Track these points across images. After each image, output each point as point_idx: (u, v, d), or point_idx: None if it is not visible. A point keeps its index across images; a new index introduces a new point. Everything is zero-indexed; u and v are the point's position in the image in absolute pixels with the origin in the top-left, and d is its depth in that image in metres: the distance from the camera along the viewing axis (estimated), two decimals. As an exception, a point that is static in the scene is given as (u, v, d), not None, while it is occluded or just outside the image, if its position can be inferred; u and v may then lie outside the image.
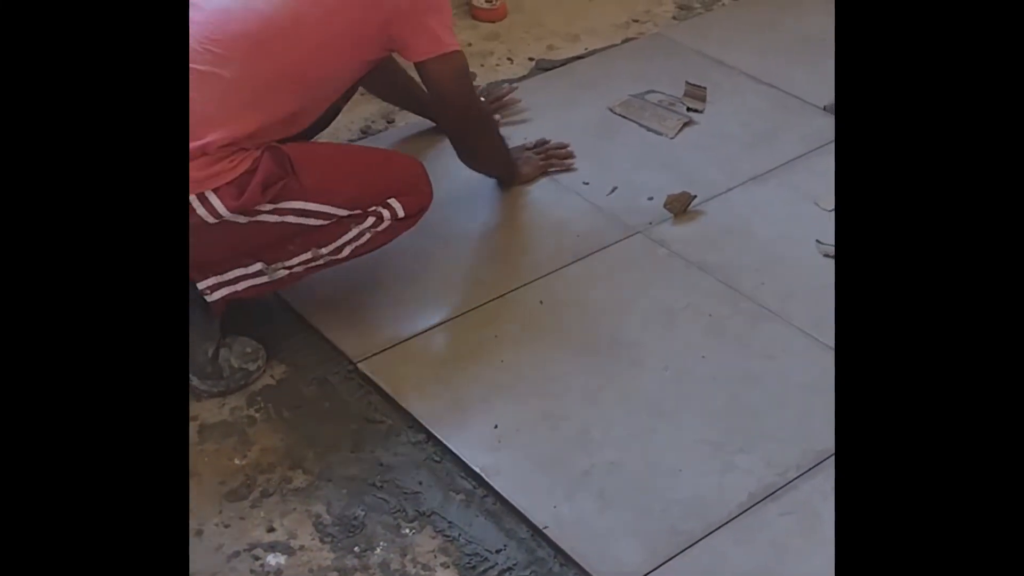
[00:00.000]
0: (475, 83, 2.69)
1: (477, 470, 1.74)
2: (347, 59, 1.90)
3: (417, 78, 2.06)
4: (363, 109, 2.61)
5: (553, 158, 2.38)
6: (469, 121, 2.10)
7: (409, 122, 2.57)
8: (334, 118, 2.22)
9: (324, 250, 1.87)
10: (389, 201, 1.89)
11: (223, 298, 1.85)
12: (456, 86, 2.00)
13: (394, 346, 1.96)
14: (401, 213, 1.91)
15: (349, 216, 1.85)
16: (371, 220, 1.88)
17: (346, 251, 1.90)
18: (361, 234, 1.89)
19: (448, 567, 1.61)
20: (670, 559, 1.61)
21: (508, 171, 2.30)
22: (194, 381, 1.84)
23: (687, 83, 2.62)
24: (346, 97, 2.17)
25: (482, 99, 2.40)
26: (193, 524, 1.66)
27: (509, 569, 1.61)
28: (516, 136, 2.48)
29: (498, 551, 1.63)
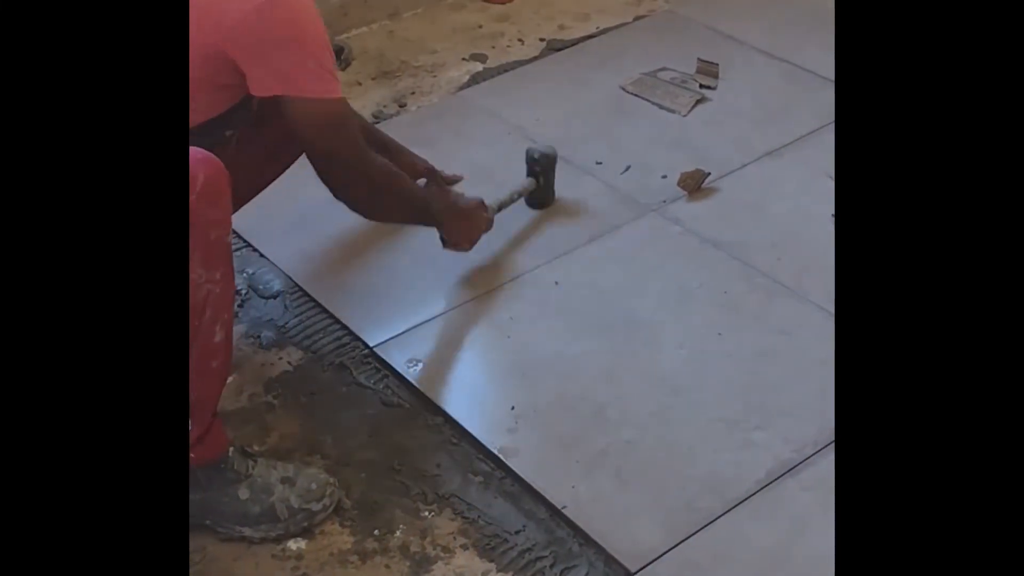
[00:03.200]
0: (484, 66, 2.70)
1: (495, 452, 1.74)
2: (195, 78, 1.43)
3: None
4: (374, 93, 2.61)
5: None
6: (342, 182, 1.80)
7: (422, 106, 2.57)
8: (220, 145, 1.74)
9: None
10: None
11: (199, 451, 1.58)
12: (319, 139, 1.71)
13: (410, 330, 1.97)
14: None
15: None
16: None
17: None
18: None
19: (468, 548, 1.62)
20: (689, 537, 1.61)
21: (424, 224, 2.00)
22: (246, 531, 1.62)
23: (699, 60, 2.61)
24: (231, 125, 1.79)
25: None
26: (214, 511, 1.67)
27: (528, 550, 1.61)
28: (529, 113, 2.48)
29: (517, 532, 1.64)
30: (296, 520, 1.62)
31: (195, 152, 1.39)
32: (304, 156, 1.82)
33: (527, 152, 2.21)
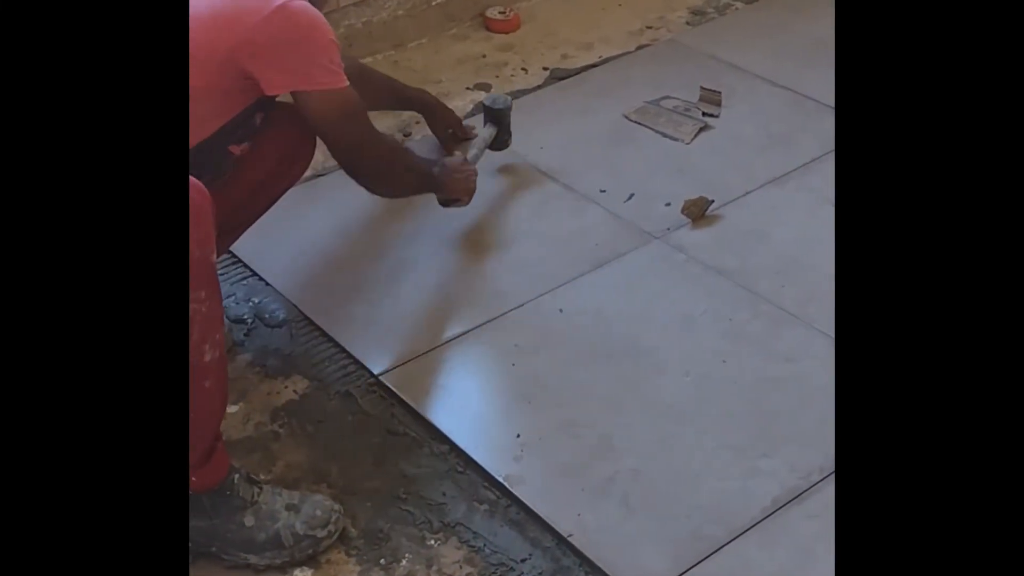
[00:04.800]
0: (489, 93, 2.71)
1: (501, 480, 1.74)
2: (197, 83, 1.46)
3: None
4: (379, 123, 2.62)
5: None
6: (362, 164, 1.94)
7: (426, 135, 2.58)
8: (228, 164, 1.90)
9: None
10: None
11: (199, 478, 1.59)
12: (338, 128, 1.86)
13: (415, 358, 1.97)
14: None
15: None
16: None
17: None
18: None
19: (474, 577, 1.62)
20: (695, 565, 1.61)
21: (429, 190, 2.16)
22: (251, 558, 1.62)
23: (702, 88, 2.63)
24: (235, 139, 1.87)
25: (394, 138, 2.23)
26: (220, 540, 1.66)
27: (534, 578, 1.61)
28: (533, 141, 2.49)
29: (523, 560, 1.64)
30: (301, 547, 1.62)
31: None
32: (294, 183, 2.00)
33: (483, 103, 2.45)
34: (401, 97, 2.45)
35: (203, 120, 1.74)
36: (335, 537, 1.65)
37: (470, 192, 2.20)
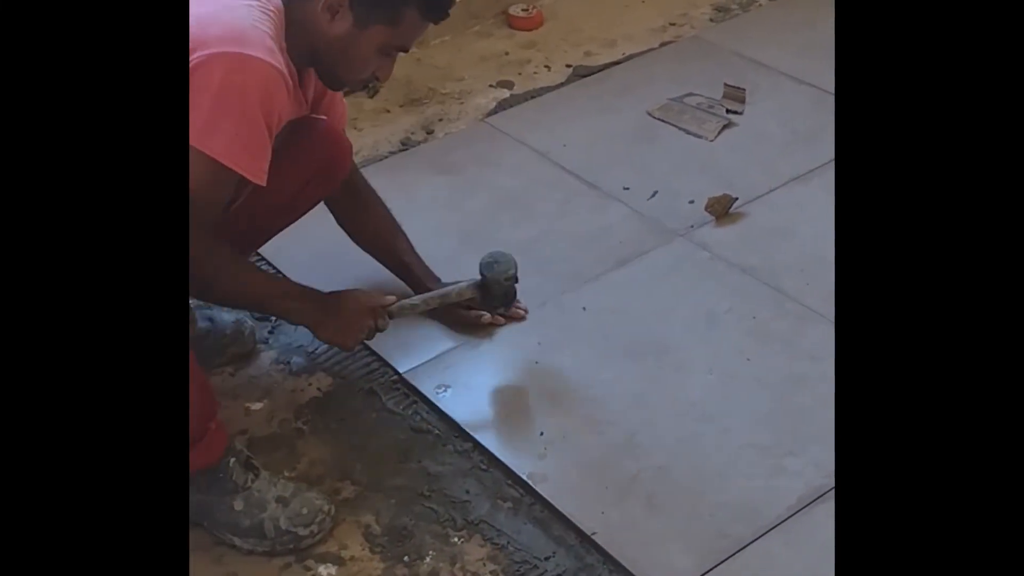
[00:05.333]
0: (511, 93, 2.71)
1: (524, 477, 1.74)
2: None
3: None
4: (402, 120, 2.63)
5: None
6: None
7: (449, 133, 2.58)
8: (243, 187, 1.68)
9: None
10: None
11: (193, 458, 1.57)
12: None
13: (439, 356, 1.97)
14: None
15: None
16: None
17: None
18: None
19: (497, 575, 1.62)
20: (719, 563, 1.61)
21: (288, 318, 1.85)
22: (236, 540, 1.65)
23: (726, 85, 2.62)
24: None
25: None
26: (245, 536, 1.67)
27: (558, 576, 1.61)
28: (556, 139, 2.49)
29: (547, 558, 1.64)
30: (282, 541, 1.65)
31: None
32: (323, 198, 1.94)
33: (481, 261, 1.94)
34: (396, 260, 2.04)
35: None
36: (318, 538, 1.66)
37: (353, 337, 1.84)
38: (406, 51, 1.72)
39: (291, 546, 1.65)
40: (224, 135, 1.51)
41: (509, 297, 1.95)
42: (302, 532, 1.65)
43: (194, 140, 1.47)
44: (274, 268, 2.18)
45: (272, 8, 1.60)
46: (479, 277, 1.91)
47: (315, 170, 1.88)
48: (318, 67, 1.71)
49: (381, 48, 1.67)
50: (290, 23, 1.62)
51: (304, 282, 1.84)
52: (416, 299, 1.92)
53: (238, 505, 1.64)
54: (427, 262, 2.09)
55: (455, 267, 2.10)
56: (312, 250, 2.19)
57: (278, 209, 1.89)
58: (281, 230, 1.96)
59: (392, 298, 1.88)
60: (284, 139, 1.69)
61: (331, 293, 1.83)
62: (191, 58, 1.48)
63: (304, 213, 1.95)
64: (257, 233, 1.94)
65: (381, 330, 1.85)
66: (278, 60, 1.55)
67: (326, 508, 1.68)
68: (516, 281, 1.92)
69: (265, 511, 1.64)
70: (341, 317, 1.81)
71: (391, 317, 1.86)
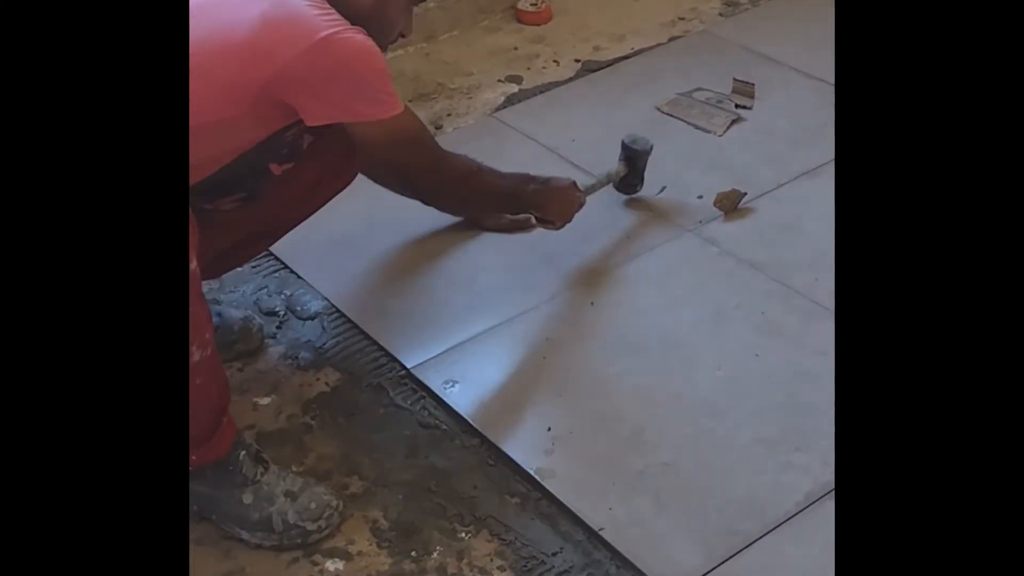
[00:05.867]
0: (520, 88, 2.71)
1: (532, 473, 1.74)
2: (231, 112, 1.62)
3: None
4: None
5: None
6: (422, 190, 1.98)
7: (458, 128, 2.58)
8: (266, 182, 1.87)
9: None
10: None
11: (198, 455, 1.62)
12: (389, 155, 1.82)
13: (447, 351, 1.97)
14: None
15: None
16: None
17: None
18: None
19: (504, 570, 1.62)
20: (727, 559, 1.60)
21: (516, 210, 2.16)
22: (243, 534, 1.66)
23: (735, 80, 2.61)
24: (277, 157, 1.84)
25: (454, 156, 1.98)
26: (252, 531, 1.68)
27: (565, 572, 1.61)
28: (565, 134, 2.49)
29: (554, 554, 1.63)
30: (290, 535, 1.65)
31: None
32: (332, 197, 1.98)
33: (622, 141, 2.25)
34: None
35: (243, 138, 1.69)
36: (326, 532, 1.66)
37: (567, 218, 2.10)
38: (420, 1, 1.87)
39: (299, 540, 1.65)
40: (393, 95, 1.73)
41: (643, 170, 2.27)
42: (310, 527, 1.65)
43: (389, 111, 1.72)
44: (284, 264, 2.18)
45: None
46: (624, 154, 2.24)
47: (333, 161, 1.91)
48: None
49: (406, 5, 1.80)
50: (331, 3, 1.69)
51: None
52: (593, 180, 2.21)
53: (247, 499, 1.64)
54: (436, 256, 2.10)
55: (469, 263, 2.10)
56: (327, 239, 2.19)
57: (297, 201, 1.94)
58: (300, 222, 2.00)
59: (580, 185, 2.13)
60: (304, 131, 1.78)
61: (538, 178, 2.07)
62: (314, 38, 1.61)
63: (321, 206, 1.99)
64: (277, 226, 1.98)
65: (580, 208, 2.12)
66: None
67: (334, 503, 1.68)
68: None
69: (274, 505, 1.65)
70: (555, 202, 2.08)
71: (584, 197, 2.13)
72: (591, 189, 2.18)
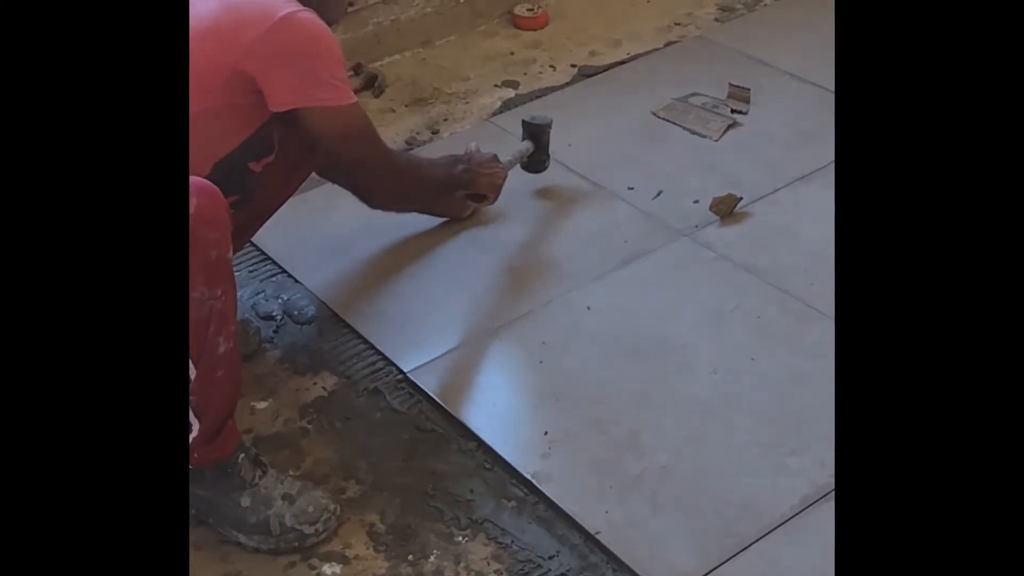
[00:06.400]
0: (516, 93, 2.72)
1: (528, 477, 1.74)
2: (210, 102, 1.67)
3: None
4: (407, 120, 2.63)
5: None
6: (368, 185, 2.00)
7: (454, 132, 2.58)
8: (251, 182, 1.84)
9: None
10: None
11: (200, 454, 1.62)
12: (340, 146, 1.84)
13: (444, 355, 1.97)
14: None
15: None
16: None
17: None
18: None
19: (501, 574, 1.62)
20: (723, 563, 1.61)
21: (451, 192, 2.18)
22: (241, 538, 1.66)
23: (730, 85, 2.62)
24: (254, 155, 1.82)
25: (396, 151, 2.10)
26: (249, 535, 1.68)
27: (562, 575, 1.61)
28: (561, 139, 2.49)
29: (551, 557, 1.64)
30: (287, 539, 1.65)
31: (192, 180, 1.46)
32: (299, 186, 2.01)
33: (523, 120, 2.34)
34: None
35: (224, 136, 1.75)
36: (323, 536, 1.66)
37: (496, 189, 2.18)
38: None
39: (296, 544, 1.65)
40: (346, 82, 1.79)
41: (548, 145, 2.33)
42: (307, 530, 1.65)
43: (343, 99, 1.77)
44: (281, 268, 2.18)
45: None
46: (526, 132, 2.31)
47: (302, 143, 1.89)
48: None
49: None
50: None
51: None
52: (510, 157, 2.26)
53: (245, 502, 1.64)
54: (433, 260, 2.10)
55: (466, 267, 2.10)
56: (324, 243, 2.19)
57: (278, 192, 1.99)
58: (278, 208, 2.03)
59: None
60: (273, 126, 1.81)
61: (462, 157, 2.15)
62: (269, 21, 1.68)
63: (296, 189, 2.04)
64: (260, 214, 2.00)
65: (504, 179, 2.19)
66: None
67: (332, 507, 1.68)
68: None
69: (271, 508, 1.65)
70: (484, 175, 2.15)
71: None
72: (511, 163, 2.26)
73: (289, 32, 1.70)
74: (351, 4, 1.96)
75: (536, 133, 2.31)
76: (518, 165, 2.30)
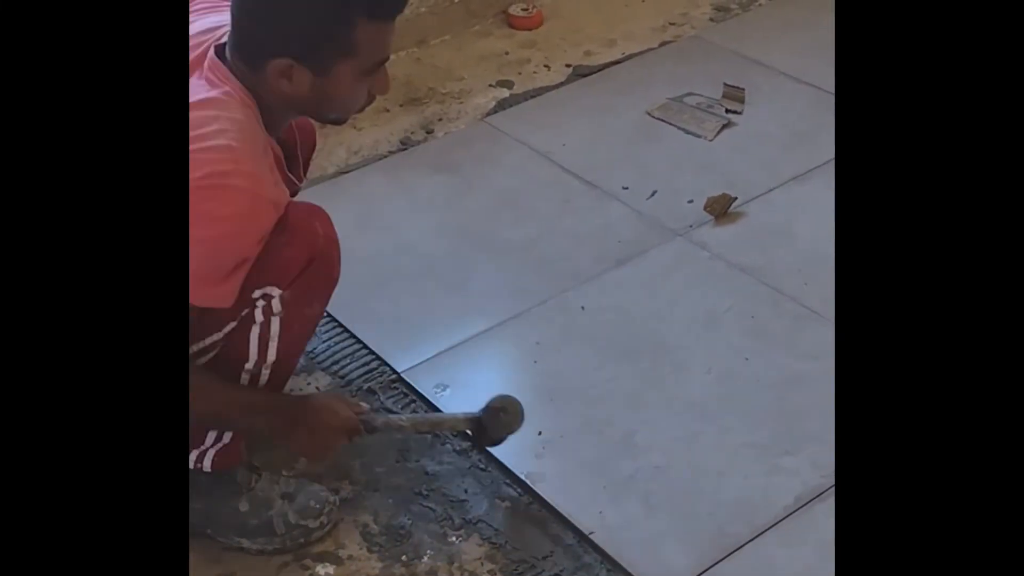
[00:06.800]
0: (511, 93, 2.71)
1: (522, 477, 1.74)
2: None
3: None
4: (401, 120, 2.63)
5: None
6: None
7: (449, 132, 2.58)
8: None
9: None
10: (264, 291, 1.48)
11: (219, 458, 1.60)
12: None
13: (438, 355, 1.97)
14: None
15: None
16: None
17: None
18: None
19: (495, 574, 1.62)
20: (717, 563, 1.61)
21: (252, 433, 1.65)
22: (244, 542, 1.64)
23: (725, 85, 2.62)
24: None
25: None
26: (243, 535, 1.68)
27: (556, 575, 1.61)
28: (556, 139, 2.49)
29: (544, 557, 1.64)
30: (292, 536, 1.65)
31: (308, 204, 1.58)
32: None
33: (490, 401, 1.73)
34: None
35: None
36: (327, 528, 1.67)
37: (326, 455, 1.65)
38: (387, 60, 1.51)
39: (301, 540, 1.65)
40: (225, 281, 1.41)
41: (501, 441, 1.74)
42: (312, 524, 1.65)
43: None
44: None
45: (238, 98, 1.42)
46: (479, 413, 1.70)
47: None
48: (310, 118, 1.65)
49: (357, 77, 1.46)
50: (260, 105, 1.45)
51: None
52: (405, 419, 1.73)
53: (243, 506, 1.64)
54: (426, 261, 2.08)
55: (460, 267, 2.10)
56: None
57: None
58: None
59: (366, 408, 1.69)
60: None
61: (303, 400, 1.67)
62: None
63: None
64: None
65: (351, 437, 1.64)
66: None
67: (332, 499, 1.68)
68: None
69: (272, 508, 1.64)
70: (315, 433, 1.58)
71: (370, 433, 1.66)
72: (387, 429, 1.70)
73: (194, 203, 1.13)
74: (378, 96, 1.57)
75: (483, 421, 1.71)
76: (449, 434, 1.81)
